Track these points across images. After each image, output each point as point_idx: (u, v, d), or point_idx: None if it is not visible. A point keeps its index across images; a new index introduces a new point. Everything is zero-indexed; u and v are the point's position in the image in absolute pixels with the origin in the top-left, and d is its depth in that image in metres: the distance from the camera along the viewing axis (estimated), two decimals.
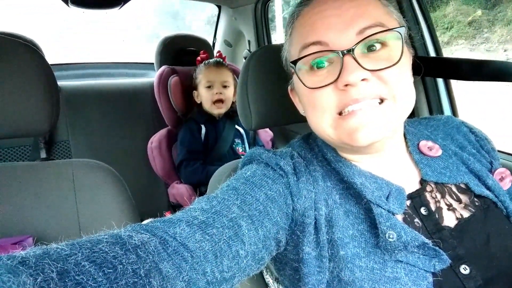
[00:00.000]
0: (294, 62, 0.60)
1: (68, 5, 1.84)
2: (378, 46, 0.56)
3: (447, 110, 1.26)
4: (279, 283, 0.80)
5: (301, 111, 0.69)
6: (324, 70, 0.57)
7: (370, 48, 0.55)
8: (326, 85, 0.56)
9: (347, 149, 0.62)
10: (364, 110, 0.55)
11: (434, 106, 1.26)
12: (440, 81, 1.26)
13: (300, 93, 0.63)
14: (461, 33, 6.64)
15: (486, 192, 0.62)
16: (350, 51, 0.54)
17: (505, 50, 6.09)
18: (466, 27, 6.66)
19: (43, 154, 0.96)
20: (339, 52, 0.54)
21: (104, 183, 0.89)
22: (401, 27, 0.57)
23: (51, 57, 1.97)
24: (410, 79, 0.60)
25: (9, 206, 0.83)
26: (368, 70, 0.54)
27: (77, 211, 0.86)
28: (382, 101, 0.56)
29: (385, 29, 0.55)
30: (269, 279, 0.84)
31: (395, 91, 0.55)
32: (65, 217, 0.86)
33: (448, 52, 6.59)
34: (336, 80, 0.55)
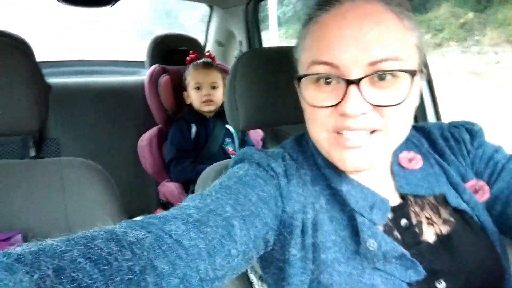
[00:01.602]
0: (301, 77, 0.60)
1: (60, 2, 1.84)
2: (389, 77, 0.54)
3: (430, 115, 1.28)
4: (263, 282, 0.82)
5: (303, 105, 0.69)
6: (329, 87, 0.57)
7: (381, 77, 0.54)
8: (325, 107, 0.57)
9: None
10: (357, 138, 0.55)
11: (418, 111, 1.28)
12: (423, 86, 1.28)
13: (302, 102, 0.63)
14: (453, 35, 6.69)
15: (463, 206, 0.62)
16: (357, 81, 0.53)
17: (496, 53, 6.15)
18: (458, 29, 6.71)
19: (32, 153, 0.96)
20: (345, 80, 0.53)
21: (91, 182, 0.90)
22: (413, 70, 0.55)
23: (51, 57, 1.96)
24: (412, 111, 0.59)
25: None
26: (370, 104, 0.53)
27: (65, 208, 0.87)
28: (374, 131, 0.56)
29: (397, 69, 0.53)
30: (253, 277, 0.86)
31: (391, 126, 0.55)
32: (53, 214, 0.87)
33: (439, 54, 6.64)
34: (336, 105, 0.55)
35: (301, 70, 0.63)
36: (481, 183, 0.66)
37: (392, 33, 0.54)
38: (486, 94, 5.16)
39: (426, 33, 6.91)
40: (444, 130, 0.72)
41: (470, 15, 6.74)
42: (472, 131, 0.71)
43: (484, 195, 0.65)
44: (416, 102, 0.59)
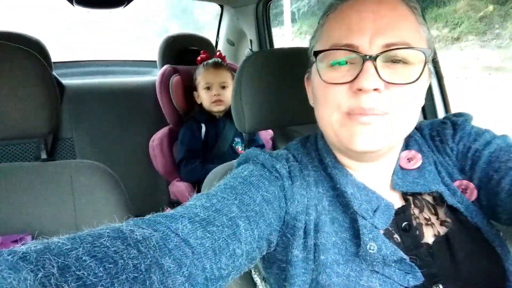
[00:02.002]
0: (318, 53, 0.60)
1: (73, 5, 1.87)
2: (402, 62, 0.56)
3: (441, 112, 1.26)
4: (267, 283, 0.83)
5: (311, 102, 0.69)
6: (344, 68, 0.58)
7: (393, 61, 0.56)
8: (341, 83, 0.57)
9: (345, 152, 0.64)
10: (369, 117, 0.56)
11: (428, 108, 1.26)
12: (433, 81, 1.25)
13: (315, 85, 0.64)
14: (472, 29, 6.54)
15: (458, 205, 0.62)
16: (373, 57, 0.55)
17: None
18: (477, 22, 6.55)
19: (43, 155, 0.99)
20: (363, 55, 0.55)
21: (100, 184, 0.92)
22: (426, 50, 0.57)
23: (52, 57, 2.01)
24: (421, 101, 0.61)
25: (9, 205, 0.87)
26: (384, 80, 0.55)
27: (74, 210, 0.90)
28: (384, 114, 0.57)
29: (410, 47, 0.56)
30: (257, 278, 0.87)
31: (401, 110, 0.57)
32: (63, 216, 0.89)
33: (457, 48, 6.50)
34: (351, 81, 0.56)
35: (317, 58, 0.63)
36: (465, 182, 0.65)
37: (405, 22, 0.58)
38: (505, 89, 5.02)
39: (444, 27, 6.77)
40: (433, 128, 0.71)
41: (490, 8, 6.58)
42: (455, 124, 0.69)
43: (472, 194, 0.64)
44: (423, 98, 0.61)
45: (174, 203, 1.88)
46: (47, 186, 0.89)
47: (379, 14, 0.56)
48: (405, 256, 0.55)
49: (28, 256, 0.33)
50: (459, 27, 6.71)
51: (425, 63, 0.57)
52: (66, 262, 0.34)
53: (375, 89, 0.55)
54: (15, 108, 0.84)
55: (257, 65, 0.96)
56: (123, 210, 0.92)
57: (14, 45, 0.85)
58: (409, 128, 0.61)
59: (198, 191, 1.74)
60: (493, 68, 5.91)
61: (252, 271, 0.87)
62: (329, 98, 0.59)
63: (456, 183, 0.65)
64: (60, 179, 0.90)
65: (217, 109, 1.80)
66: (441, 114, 1.26)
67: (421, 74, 0.56)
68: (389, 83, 0.55)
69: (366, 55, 0.55)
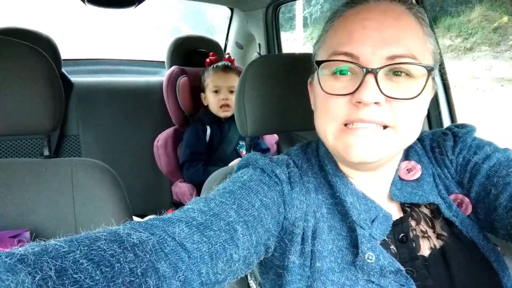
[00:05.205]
0: (319, 63, 0.60)
1: (84, 3, 1.89)
2: (404, 75, 0.56)
3: (446, 121, 1.24)
4: None
5: (313, 106, 0.69)
6: (346, 77, 0.57)
7: (395, 73, 0.56)
8: (341, 95, 0.57)
9: (343, 161, 0.63)
10: (366, 130, 0.56)
11: (433, 115, 1.25)
12: (440, 91, 1.24)
13: (316, 93, 0.63)
14: (485, 39, 6.49)
15: (454, 218, 0.62)
16: (375, 71, 0.54)
17: None
18: (491, 33, 6.50)
19: (46, 152, 1.00)
20: (364, 68, 0.54)
21: (100, 182, 0.92)
22: (430, 67, 0.56)
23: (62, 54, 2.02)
24: (423, 114, 0.60)
25: (8, 200, 0.87)
26: (384, 95, 0.54)
27: (73, 207, 0.90)
28: (384, 127, 0.56)
29: (414, 62, 0.55)
30: (253, 284, 0.87)
31: (401, 124, 0.56)
32: (62, 213, 0.89)
33: (470, 59, 6.45)
34: (351, 94, 0.56)
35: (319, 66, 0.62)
36: (461, 196, 0.64)
37: (411, 32, 0.56)
38: None
39: (457, 37, 6.72)
40: (433, 139, 0.71)
41: (505, 18, 6.51)
42: (456, 135, 0.68)
43: (468, 208, 0.63)
44: (425, 110, 0.60)
45: (176, 204, 1.88)
46: (47, 183, 0.90)
47: (384, 24, 0.55)
48: (401, 268, 0.55)
49: (26, 259, 0.33)
50: (472, 37, 6.67)
51: (428, 77, 0.56)
52: (64, 265, 0.34)
53: (375, 103, 0.54)
54: (19, 104, 0.85)
55: (262, 69, 0.96)
56: (122, 208, 0.92)
57: (19, 42, 0.86)
58: (410, 140, 0.60)
59: (199, 193, 1.74)
60: (505, 79, 5.85)
61: (248, 276, 0.87)
62: (329, 109, 0.59)
63: (452, 197, 0.65)
64: (60, 176, 0.90)
65: (224, 115, 1.80)
66: (446, 124, 1.25)
67: (423, 89, 0.55)
68: (389, 97, 0.55)
69: (367, 68, 0.54)
